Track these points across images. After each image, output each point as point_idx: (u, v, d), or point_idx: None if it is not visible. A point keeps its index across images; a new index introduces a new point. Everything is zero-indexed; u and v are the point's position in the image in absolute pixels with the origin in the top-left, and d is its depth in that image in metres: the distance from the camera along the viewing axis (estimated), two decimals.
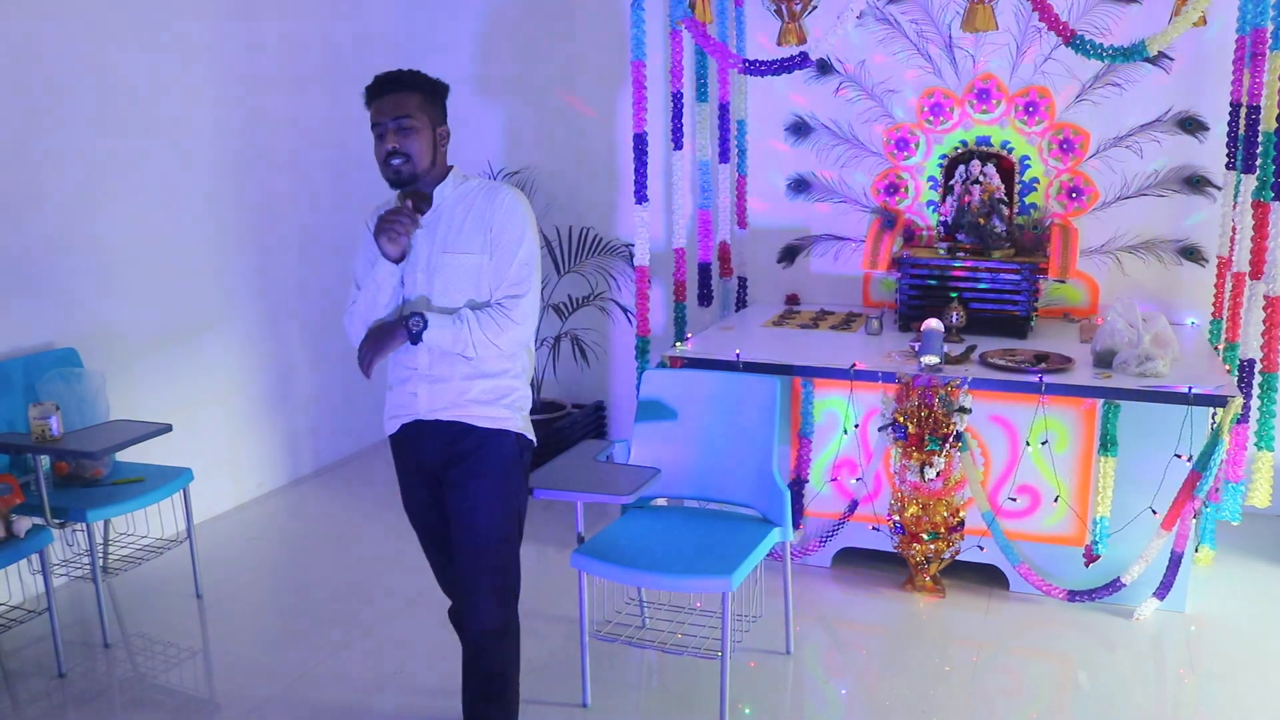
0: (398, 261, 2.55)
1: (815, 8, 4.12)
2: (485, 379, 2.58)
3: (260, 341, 4.79)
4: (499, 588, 2.60)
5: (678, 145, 4.23)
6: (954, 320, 3.95)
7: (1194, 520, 3.52)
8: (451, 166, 2.64)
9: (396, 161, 2.51)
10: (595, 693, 3.15)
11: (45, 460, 3.49)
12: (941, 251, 4.26)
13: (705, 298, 4.71)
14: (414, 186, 2.57)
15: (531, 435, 2.68)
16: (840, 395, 3.82)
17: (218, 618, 3.72)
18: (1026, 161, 4.38)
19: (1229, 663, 3.33)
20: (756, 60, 3.86)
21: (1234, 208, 3.86)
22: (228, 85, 4.52)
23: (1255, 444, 3.64)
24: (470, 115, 5.31)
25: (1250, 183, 3.65)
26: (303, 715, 3.10)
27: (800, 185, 4.76)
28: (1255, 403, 3.64)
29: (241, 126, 4.60)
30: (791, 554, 3.46)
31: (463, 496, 2.57)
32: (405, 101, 2.52)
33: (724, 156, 4.72)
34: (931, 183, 4.51)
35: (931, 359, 3.59)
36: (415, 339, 2.51)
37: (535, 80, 5.20)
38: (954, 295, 4.10)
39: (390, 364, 2.66)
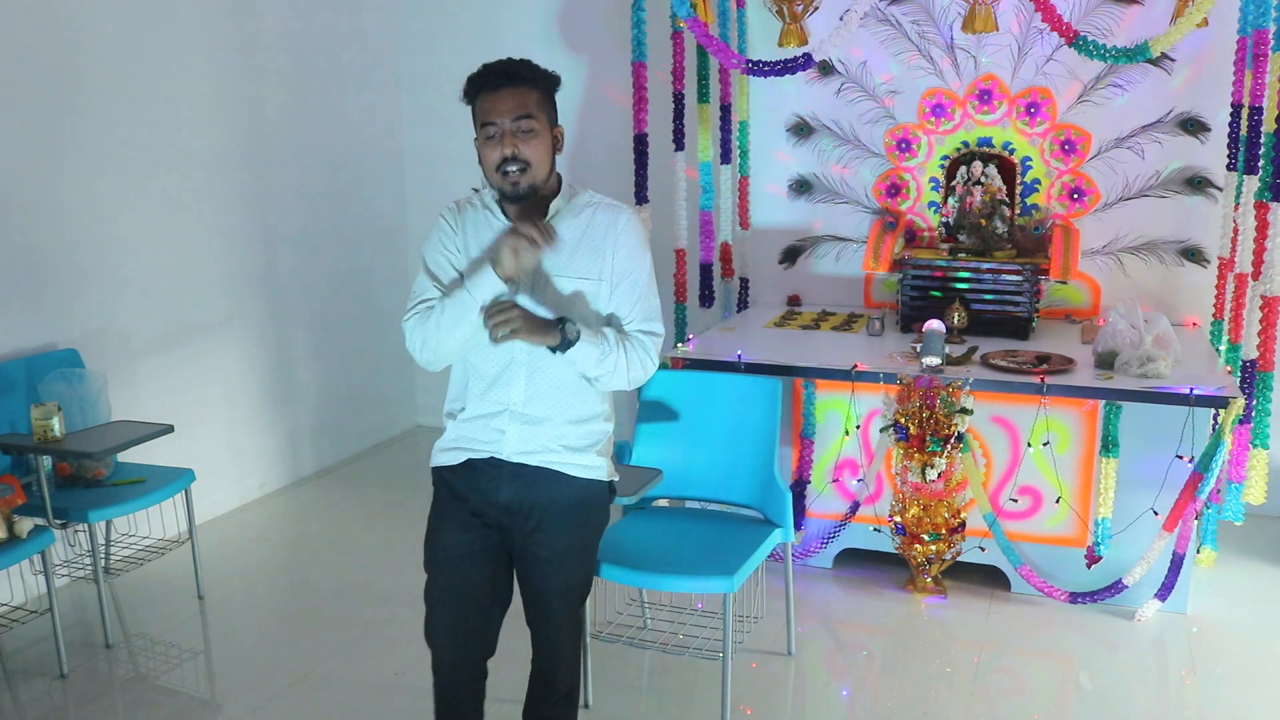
0: (505, 283, 2.22)
1: (817, 8, 4.13)
2: (581, 424, 2.35)
3: (262, 342, 4.79)
4: (575, 621, 2.51)
5: (679, 146, 4.23)
6: (955, 321, 3.95)
7: (1196, 521, 3.52)
8: (559, 175, 2.35)
9: (514, 170, 2.20)
10: (597, 694, 3.15)
11: (47, 461, 3.49)
12: (943, 252, 4.26)
13: (707, 298, 4.71)
14: (529, 200, 2.27)
15: (616, 475, 2.49)
16: (842, 396, 3.81)
17: (219, 618, 3.73)
18: (1028, 162, 4.38)
19: (1231, 664, 3.33)
20: (759, 61, 3.86)
21: (1236, 209, 3.86)
22: (230, 85, 4.52)
23: (1250, 442, 3.64)
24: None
25: (1252, 184, 3.65)
26: (304, 716, 3.10)
27: (802, 186, 4.76)
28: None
29: (244, 126, 4.60)
30: (793, 555, 3.46)
31: (548, 548, 2.36)
32: (525, 98, 2.21)
33: (726, 157, 4.72)
34: (933, 184, 4.51)
35: (933, 360, 3.59)
36: (562, 347, 2.21)
37: None
38: (954, 296, 4.10)
39: (460, 389, 2.38)
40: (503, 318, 2.16)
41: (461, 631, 2.43)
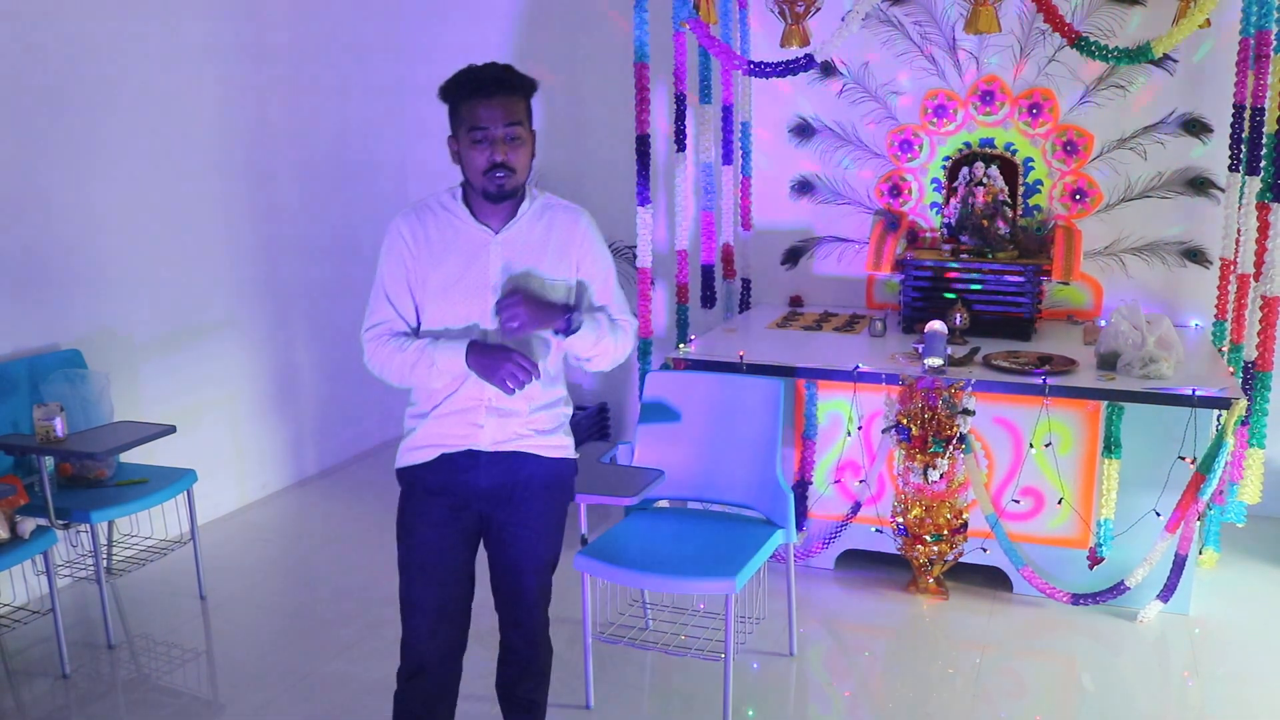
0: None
1: (818, 9, 4.13)
2: (548, 409, 2.47)
3: (265, 343, 4.79)
4: (548, 594, 2.58)
5: (681, 147, 4.23)
6: (958, 322, 3.95)
7: (1198, 523, 3.52)
8: None
9: (502, 175, 2.31)
10: (598, 694, 3.15)
11: (49, 461, 3.50)
12: (945, 253, 4.26)
13: (708, 299, 4.71)
14: (508, 200, 2.38)
15: (578, 454, 2.62)
16: (844, 397, 3.81)
17: (221, 619, 3.73)
18: (1030, 163, 4.37)
19: (1233, 665, 3.32)
20: (761, 62, 3.86)
21: (1238, 210, 3.85)
22: (234, 88, 4.52)
23: (1248, 441, 3.64)
24: None
25: (1254, 184, 3.65)
26: (306, 716, 3.10)
27: (804, 187, 4.76)
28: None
29: (247, 128, 4.61)
30: (795, 556, 3.46)
31: (527, 528, 2.47)
32: (516, 107, 2.32)
33: (727, 158, 4.72)
34: (935, 184, 4.51)
35: (935, 361, 3.59)
36: (565, 332, 2.35)
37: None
38: (956, 297, 4.10)
39: (427, 390, 2.42)
40: (508, 315, 2.29)
41: (444, 622, 2.50)
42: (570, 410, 2.56)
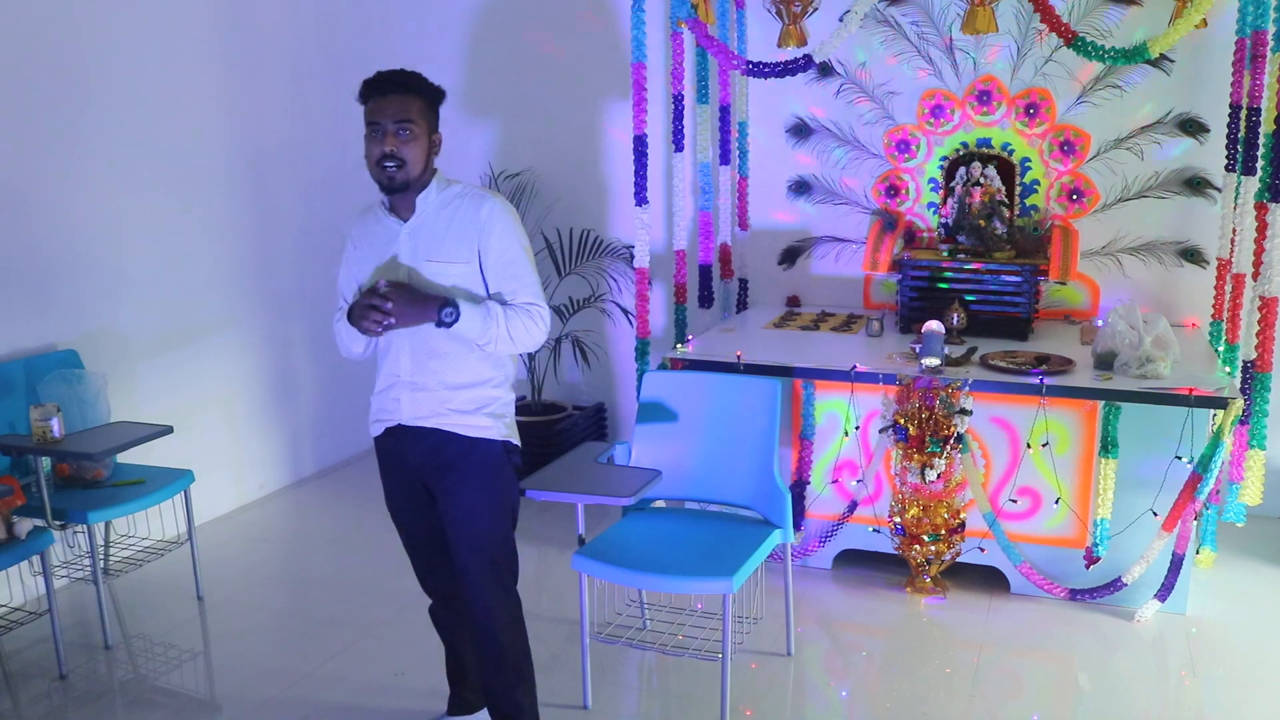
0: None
1: (816, 9, 4.14)
2: (466, 389, 2.59)
3: (261, 343, 4.79)
4: (499, 580, 2.67)
5: (679, 147, 4.23)
6: (955, 322, 3.95)
7: (1195, 522, 3.52)
8: (435, 171, 2.61)
9: (390, 165, 2.50)
10: (596, 694, 3.15)
11: (46, 462, 3.49)
12: (943, 253, 4.26)
13: (706, 299, 4.71)
14: (400, 194, 2.56)
15: (516, 439, 2.70)
16: (841, 397, 3.82)
17: (218, 619, 3.73)
18: (1027, 163, 4.38)
19: (1230, 665, 3.33)
20: (759, 62, 3.86)
21: (1234, 210, 3.86)
22: (228, 88, 4.52)
23: (1248, 442, 3.65)
24: (470, 117, 5.32)
25: (1251, 184, 3.65)
26: (302, 716, 3.10)
27: (801, 187, 4.76)
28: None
29: (242, 128, 4.61)
30: (792, 556, 3.46)
31: (454, 504, 2.62)
32: (408, 105, 2.51)
33: (725, 158, 4.72)
34: (932, 184, 4.51)
35: (932, 361, 3.59)
36: (442, 325, 2.48)
37: (534, 82, 5.20)
38: (949, 296, 4.09)
39: (375, 368, 2.70)
40: (373, 318, 2.46)
41: (426, 574, 2.83)
42: (502, 395, 2.65)
